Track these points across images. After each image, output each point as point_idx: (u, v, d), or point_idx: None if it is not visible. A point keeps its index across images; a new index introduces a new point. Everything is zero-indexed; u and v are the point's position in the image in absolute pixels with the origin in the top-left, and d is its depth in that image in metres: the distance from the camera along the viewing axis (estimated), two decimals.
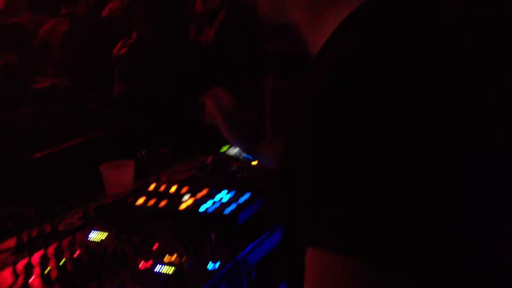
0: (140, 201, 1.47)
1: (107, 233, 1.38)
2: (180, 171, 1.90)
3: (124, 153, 1.90)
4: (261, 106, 2.80)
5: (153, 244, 1.29)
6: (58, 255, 1.27)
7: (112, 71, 2.52)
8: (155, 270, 1.19)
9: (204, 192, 1.49)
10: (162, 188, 1.54)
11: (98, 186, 1.75)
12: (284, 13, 0.81)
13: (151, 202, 1.46)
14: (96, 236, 1.38)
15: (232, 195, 1.47)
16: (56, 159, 1.89)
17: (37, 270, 1.22)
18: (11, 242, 1.39)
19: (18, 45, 2.83)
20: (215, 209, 1.40)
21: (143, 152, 1.87)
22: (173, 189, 1.52)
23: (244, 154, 1.92)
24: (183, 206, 1.42)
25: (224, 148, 1.95)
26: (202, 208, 1.40)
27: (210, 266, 1.20)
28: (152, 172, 1.80)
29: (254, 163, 1.84)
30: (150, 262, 1.21)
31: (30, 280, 1.18)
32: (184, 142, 2.16)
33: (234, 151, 1.95)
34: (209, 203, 1.43)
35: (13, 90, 2.21)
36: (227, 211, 1.38)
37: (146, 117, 2.26)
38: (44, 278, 1.18)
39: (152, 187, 1.56)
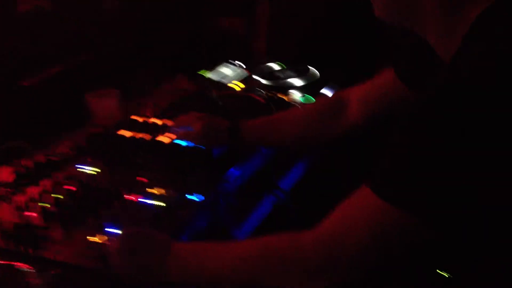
0: (128, 133, 1.58)
1: (99, 168, 1.49)
2: (163, 94, 2.00)
3: (110, 79, 1.97)
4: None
5: (143, 177, 1.41)
6: (55, 189, 1.39)
7: None
8: (144, 202, 1.32)
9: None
10: (149, 120, 1.64)
11: (87, 114, 1.84)
12: (409, 17, 0.87)
13: (138, 135, 1.56)
14: (89, 169, 1.49)
15: None
16: (44, 86, 1.94)
17: (35, 205, 1.34)
18: (8, 176, 1.50)
19: None
20: None
21: (126, 81, 1.94)
22: (157, 121, 1.62)
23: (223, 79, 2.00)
24: (166, 140, 1.53)
25: (204, 72, 2.02)
26: (184, 143, 1.52)
27: (192, 197, 1.33)
28: (137, 97, 1.89)
29: (235, 88, 1.94)
30: (140, 196, 1.34)
31: (30, 215, 1.31)
32: (167, 61, 2.22)
33: (213, 75, 2.03)
34: None
35: None
36: None
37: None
38: (44, 213, 1.31)
39: (139, 118, 1.66)
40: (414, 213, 0.75)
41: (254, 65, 2.11)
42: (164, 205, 1.30)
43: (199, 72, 2.02)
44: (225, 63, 2.12)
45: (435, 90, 0.75)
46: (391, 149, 0.78)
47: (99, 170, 1.47)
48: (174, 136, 1.53)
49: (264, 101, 1.75)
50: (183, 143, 1.51)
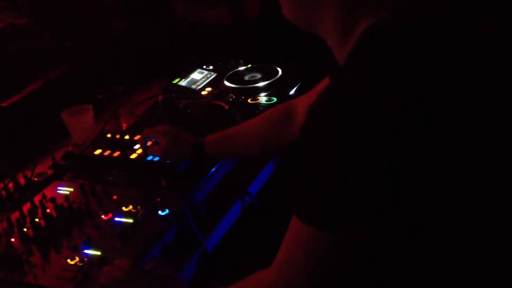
0: (98, 151, 1.66)
1: (74, 187, 1.57)
2: (136, 104, 2.08)
3: (83, 93, 2.05)
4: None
5: (113, 194, 1.50)
6: (33, 213, 1.48)
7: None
8: (115, 221, 1.41)
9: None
10: (118, 136, 1.72)
11: (63, 130, 1.92)
12: (314, 23, 0.91)
13: (107, 152, 1.65)
14: (64, 189, 1.58)
15: None
16: (21, 106, 2.02)
17: (15, 230, 1.43)
18: None
19: None
20: None
21: (100, 93, 2.01)
22: (126, 136, 1.70)
23: (193, 86, 2.07)
24: (134, 156, 1.61)
25: (176, 80, 2.10)
26: (150, 157, 1.60)
27: (161, 212, 1.42)
28: (110, 110, 1.97)
29: (204, 93, 2.01)
30: (110, 214, 1.43)
31: (11, 240, 1.40)
32: (139, 72, 2.29)
33: (185, 81, 2.10)
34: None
35: None
36: None
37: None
38: (22, 237, 1.40)
39: (108, 135, 1.74)
40: (333, 230, 0.81)
41: (223, 67, 2.18)
42: (133, 222, 1.38)
43: (173, 81, 2.09)
44: (198, 69, 2.18)
45: (319, 109, 0.83)
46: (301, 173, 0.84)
47: (72, 190, 1.56)
48: (142, 152, 1.61)
49: (228, 107, 1.82)
50: (150, 158, 1.59)
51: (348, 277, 0.86)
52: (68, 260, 1.31)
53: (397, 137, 0.75)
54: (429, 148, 0.76)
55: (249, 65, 2.14)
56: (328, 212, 0.80)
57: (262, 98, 1.88)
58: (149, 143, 1.57)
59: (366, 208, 0.78)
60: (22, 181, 1.69)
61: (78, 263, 1.30)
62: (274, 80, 1.96)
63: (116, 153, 1.64)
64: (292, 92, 1.94)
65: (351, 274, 0.86)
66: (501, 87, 0.85)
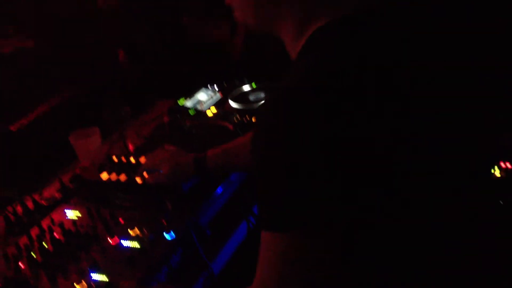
0: (104, 175, 1.68)
1: (81, 211, 1.59)
2: (142, 124, 2.10)
3: (90, 115, 2.08)
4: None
5: (120, 217, 1.51)
6: (41, 238, 1.50)
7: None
8: (122, 245, 1.42)
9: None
10: (124, 159, 1.73)
11: (71, 153, 1.95)
12: (272, 26, 0.92)
13: (113, 176, 1.66)
14: (71, 212, 1.60)
15: None
16: (29, 129, 2.05)
17: (23, 255, 1.45)
18: None
19: None
20: None
21: (106, 115, 2.04)
22: (132, 159, 1.72)
23: (199, 106, 2.09)
24: (139, 180, 1.63)
25: (181, 101, 2.12)
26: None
27: (167, 235, 1.43)
28: (117, 131, 1.99)
29: (209, 114, 2.02)
30: (117, 238, 1.44)
31: (20, 264, 1.42)
32: (145, 91, 2.32)
33: (190, 102, 2.12)
34: None
35: None
36: None
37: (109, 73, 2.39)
38: (31, 263, 1.42)
39: (114, 159, 1.76)
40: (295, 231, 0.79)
41: (228, 87, 2.19)
42: (139, 246, 1.40)
43: (178, 102, 2.11)
44: (203, 88, 2.20)
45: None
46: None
47: (79, 214, 1.57)
48: (147, 175, 1.62)
49: (233, 127, 1.83)
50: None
51: (326, 276, 0.84)
52: (76, 285, 1.32)
53: (335, 134, 0.75)
54: (370, 142, 0.77)
55: (254, 85, 2.16)
56: (281, 214, 0.79)
57: None
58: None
59: (316, 204, 0.77)
60: (30, 204, 1.71)
61: None
62: None
63: (122, 177, 1.65)
64: None
65: (327, 272, 0.84)
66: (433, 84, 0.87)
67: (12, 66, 2.36)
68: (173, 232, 1.43)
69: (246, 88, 2.15)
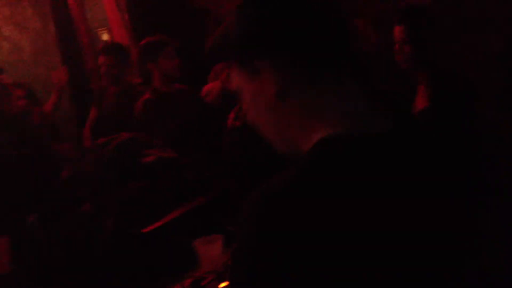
0: (223, 285, 1.71)
1: None
2: None
3: (216, 225, 2.16)
4: None
5: None
6: None
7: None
8: None
9: None
10: None
11: (193, 258, 2.02)
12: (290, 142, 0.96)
13: None
14: None
15: None
16: (160, 233, 2.18)
17: None
18: None
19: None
20: None
21: (232, 227, 2.10)
22: None
23: None
24: None
25: None
26: None
27: None
28: None
29: None
30: None
31: None
32: None
33: None
34: None
35: (125, 167, 2.56)
36: None
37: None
38: None
39: None
40: None
41: None
42: None
43: None
44: None
45: None
46: None
47: None
48: None
49: None
50: None
51: None
52: None
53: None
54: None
55: None
56: None
57: None
58: None
59: None
60: None
61: None
62: None
63: None
64: None
65: None
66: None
67: (153, 175, 2.55)
68: None
69: None
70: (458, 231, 0.89)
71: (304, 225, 0.79)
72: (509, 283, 0.94)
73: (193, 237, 2.05)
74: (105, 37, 5.06)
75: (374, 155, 0.86)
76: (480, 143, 2.16)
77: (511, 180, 1.85)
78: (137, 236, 2.17)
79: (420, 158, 0.91)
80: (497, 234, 0.97)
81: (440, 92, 2.27)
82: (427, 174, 0.90)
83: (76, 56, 4.38)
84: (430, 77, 2.31)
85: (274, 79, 0.91)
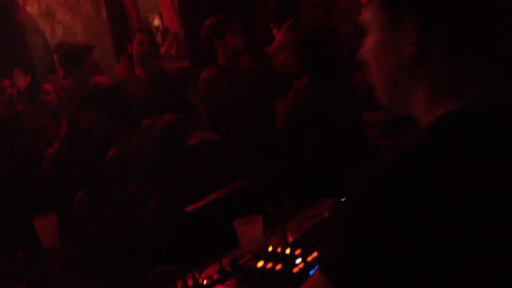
0: (260, 263, 1.74)
1: None
2: (304, 219, 2.15)
3: (256, 205, 2.18)
4: None
5: None
6: None
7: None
8: None
9: (315, 254, 1.70)
10: (279, 250, 1.78)
11: (234, 237, 2.06)
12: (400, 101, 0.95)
13: (269, 265, 1.71)
14: None
15: None
16: (202, 212, 2.22)
17: None
18: None
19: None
20: None
21: (271, 208, 2.12)
22: (287, 251, 1.76)
23: None
24: (296, 269, 1.65)
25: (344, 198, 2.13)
26: (312, 271, 1.62)
27: None
28: (278, 224, 2.06)
29: None
30: None
31: None
32: (309, 187, 2.39)
33: None
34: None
35: (170, 147, 2.60)
36: None
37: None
38: None
39: (270, 248, 1.81)
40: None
41: None
42: None
43: (341, 199, 2.13)
44: None
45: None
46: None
47: None
48: (302, 266, 1.64)
49: None
50: (312, 272, 1.61)
51: None
52: None
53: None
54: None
55: None
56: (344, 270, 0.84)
57: None
58: None
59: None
60: (190, 281, 1.82)
61: None
62: None
63: (278, 266, 1.69)
64: None
65: None
66: None
67: (196, 157, 2.59)
68: None
69: None
70: None
71: (431, 200, 0.78)
72: None
73: (234, 218, 2.08)
74: (156, 22, 5.15)
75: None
76: None
77: None
78: (180, 215, 2.22)
79: None
80: None
81: None
82: None
83: (127, 41, 4.48)
84: None
85: (417, 38, 0.86)
